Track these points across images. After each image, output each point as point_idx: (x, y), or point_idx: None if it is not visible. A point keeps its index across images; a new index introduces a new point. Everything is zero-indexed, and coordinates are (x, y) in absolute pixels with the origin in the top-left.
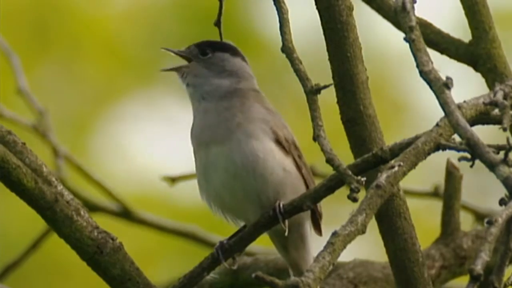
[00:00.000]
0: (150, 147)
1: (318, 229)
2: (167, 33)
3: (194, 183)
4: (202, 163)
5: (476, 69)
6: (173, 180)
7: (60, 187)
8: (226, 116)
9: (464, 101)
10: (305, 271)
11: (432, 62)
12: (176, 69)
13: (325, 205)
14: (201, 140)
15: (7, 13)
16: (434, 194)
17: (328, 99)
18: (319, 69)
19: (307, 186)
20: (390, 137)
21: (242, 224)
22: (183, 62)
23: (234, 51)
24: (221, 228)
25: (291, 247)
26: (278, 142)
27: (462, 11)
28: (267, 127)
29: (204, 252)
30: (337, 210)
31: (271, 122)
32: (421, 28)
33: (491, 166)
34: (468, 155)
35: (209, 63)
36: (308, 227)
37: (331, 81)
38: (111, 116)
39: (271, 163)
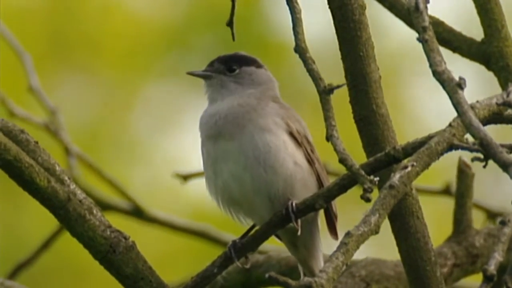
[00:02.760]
0: (164, 146)
1: (334, 232)
2: (187, 37)
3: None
4: (211, 156)
5: (489, 67)
6: (185, 178)
7: (72, 186)
8: (239, 113)
9: (477, 101)
10: (315, 268)
11: (445, 63)
12: (204, 76)
13: (340, 208)
14: (209, 133)
15: (27, 20)
16: (446, 191)
17: (341, 98)
18: (332, 68)
19: (320, 181)
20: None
21: (250, 222)
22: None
23: (257, 63)
24: (234, 227)
25: (301, 244)
26: (291, 134)
27: (475, 10)
28: (279, 119)
29: (217, 251)
30: (351, 211)
31: (283, 114)
32: (433, 26)
33: (504, 166)
34: (481, 155)
35: (238, 78)
36: (318, 224)
37: (344, 81)
38: (130, 120)
39: (283, 154)
